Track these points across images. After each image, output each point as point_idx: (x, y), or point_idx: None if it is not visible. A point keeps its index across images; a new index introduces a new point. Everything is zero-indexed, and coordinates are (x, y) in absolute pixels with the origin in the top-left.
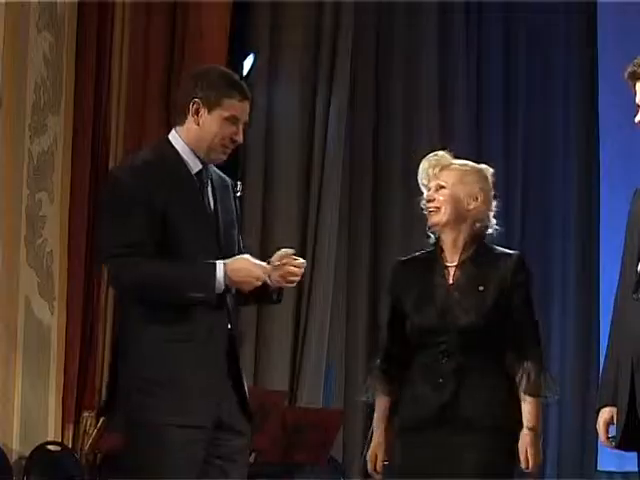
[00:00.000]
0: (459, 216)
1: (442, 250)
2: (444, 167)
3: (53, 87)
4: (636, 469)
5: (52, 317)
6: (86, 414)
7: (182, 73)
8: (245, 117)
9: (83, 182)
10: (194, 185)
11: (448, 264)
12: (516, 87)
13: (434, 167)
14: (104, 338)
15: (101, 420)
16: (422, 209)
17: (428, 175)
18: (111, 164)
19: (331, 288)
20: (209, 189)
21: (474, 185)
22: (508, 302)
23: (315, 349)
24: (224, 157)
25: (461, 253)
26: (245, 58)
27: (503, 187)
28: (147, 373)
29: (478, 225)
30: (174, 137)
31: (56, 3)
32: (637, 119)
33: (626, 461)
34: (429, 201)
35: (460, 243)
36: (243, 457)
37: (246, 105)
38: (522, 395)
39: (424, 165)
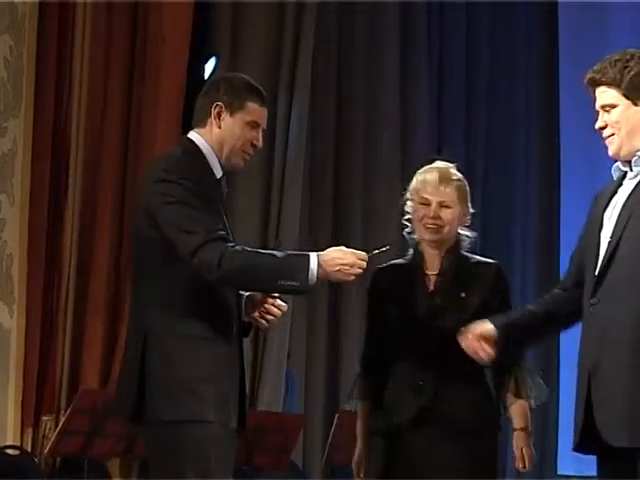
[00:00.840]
0: (454, 233)
1: (422, 258)
2: (448, 183)
3: (13, 90)
4: (595, 473)
5: (11, 320)
6: (45, 418)
7: (144, 76)
8: (264, 124)
9: (43, 184)
10: (220, 192)
11: (429, 272)
12: (477, 87)
13: (441, 182)
14: (64, 341)
15: (61, 423)
16: (405, 214)
17: (435, 189)
18: (72, 166)
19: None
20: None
21: (468, 203)
22: (489, 309)
23: (276, 353)
24: (243, 164)
25: (442, 261)
26: (207, 61)
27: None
28: (187, 371)
29: (459, 237)
30: (198, 140)
31: (16, 4)
32: (597, 125)
33: (585, 466)
34: (433, 217)
35: (442, 252)
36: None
37: (265, 112)
38: (510, 397)
39: (431, 177)
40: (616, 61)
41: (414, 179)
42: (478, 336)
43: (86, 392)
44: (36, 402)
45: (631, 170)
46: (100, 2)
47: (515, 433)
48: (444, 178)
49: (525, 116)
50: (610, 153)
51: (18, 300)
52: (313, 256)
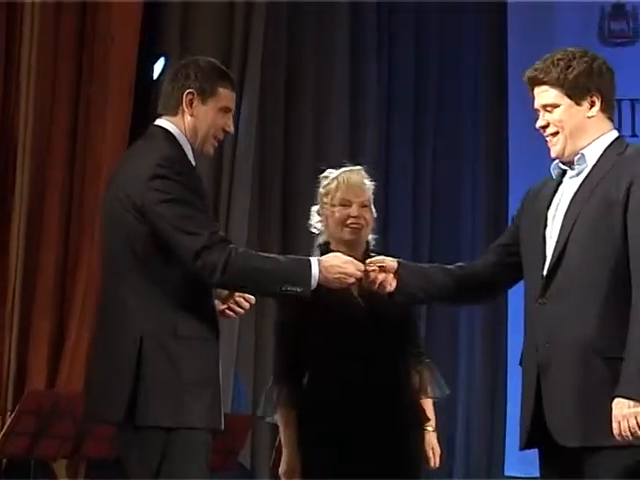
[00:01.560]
0: (367, 232)
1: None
2: (365, 185)
3: None
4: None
5: None
6: None
7: (93, 76)
8: (234, 107)
9: None
10: (200, 179)
11: None
12: (426, 88)
13: (361, 183)
14: (10, 343)
15: (7, 424)
16: (323, 219)
17: (357, 190)
18: (19, 166)
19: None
20: None
21: (371, 204)
22: (404, 310)
23: (223, 353)
24: (212, 150)
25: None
26: (156, 61)
27: (412, 189)
28: (190, 375)
29: (368, 240)
30: (172, 128)
31: None
32: (539, 124)
33: (532, 467)
34: (356, 217)
35: (359, 257)
36: None
37: (234, 95)
38: (419, 395)
39: (353, 178)
40: (558, 60)
41: (329, 182)
42: (381, 268)
43: (32, 393)
44: None
45: (572, 169)
46: (48, 2)
47: (429, 432)
48: (362, 180)
49: (473, 117)
50: (553, 154)
51: None
52: (315, 262)
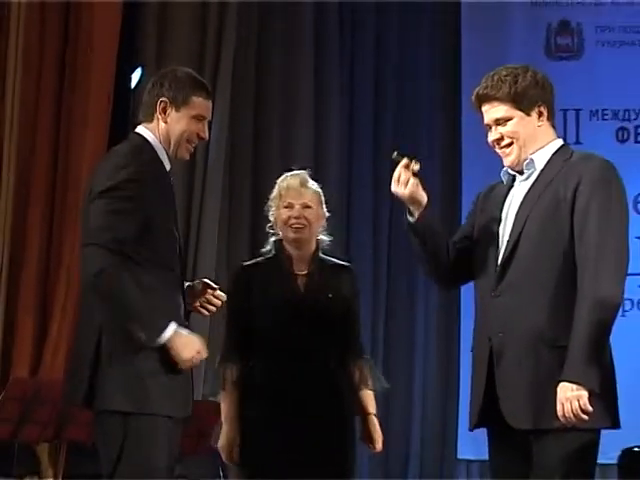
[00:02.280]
0: (313, 235)
1: (289, 258)
2: (307, 187)
3: None
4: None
5: None
6: None
7: (75, 84)
8: (209, 115)
9: None
10: (169, 182)
11: (297, 272)
12: (386, 87)
13: (302, 186)
14: (13, 318)
15: None
16: (271, 223)
17: (297, 193)
18: (4, 167)
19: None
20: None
21: (324, 207)
22: (350, 308)
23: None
24: (188, 155)
25: (309, 263)
26: (133, 70)
27: (372, 186)
28: (139, 364)
29: (317, 240)
30: (147, 134)
31: None
32: (492, 138)
33: (483, 449)
34: (297, 217)
35: (308, 255)
36: None
37: (210, 103)
38: (359, 386)
39: (292, 182)
40: (505, 76)
41: (276, 187)
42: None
43: (16, 381)
44: None
45: (521, 174)
46: (33, 13)
47: (368, 417)
48: (303, 183)
49: (429, 116)
50: (507, 163)
51: None
52: (172, 326)
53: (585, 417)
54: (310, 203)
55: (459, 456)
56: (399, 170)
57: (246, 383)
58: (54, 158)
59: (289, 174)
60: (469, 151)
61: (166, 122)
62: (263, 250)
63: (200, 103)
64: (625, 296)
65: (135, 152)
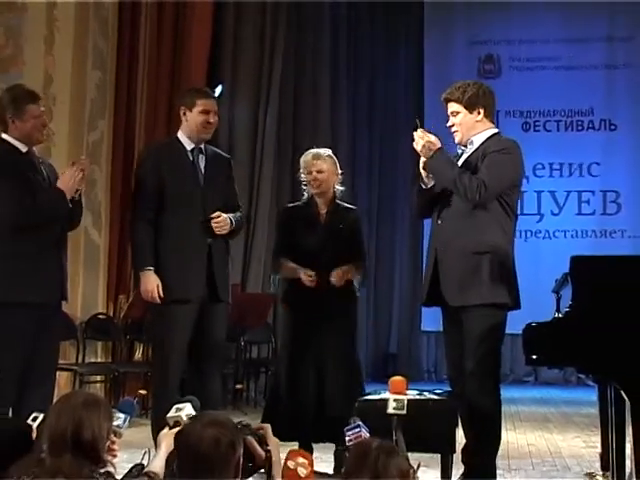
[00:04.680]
0: (329, 188)
1: (316, 203)
2: (319, 158)
3: (101, 100)
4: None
5: (100, 239)
6: (121, 296)
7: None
8: (214, 108)
9: (119, 158)
10: (186, 156)
11: (320, 211)
12: (361, 85)
13: (314, 159)
14: None
15: (130, 299)
16: (304, 181)
17: (311, 164)
18: (137, 136)
19: (267, 209)
20: (200, 160)
21: (336, 170)
22: (353, 235)
23: (257, 251)
24: (207, 136)
25: (328, 206)
26: (216, 86)
27: (368, 151)
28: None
29: (334, 190)
30: (180, 131)
31: (101, 48)
32: (448, 124)
33: (439, 324)
34: (314, 180)
35: (327, 200)
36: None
37: (211, 101)
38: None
39: (308, 157)
40: (459, 87)
41: (302, 160)
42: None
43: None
44: (115, 287)
45: (466, 148)
46: (158, 12)
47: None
48: (315, 156)
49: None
50: (456, 141)
51: (104, 227)
52: (148, 271)
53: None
54: (322, 169)
55: (423, 328)
56: (416, 135)
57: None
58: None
59: (308, 152)
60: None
61: (187, 120)
62: (302, 199)
63: (202, 102)
64: (526, 228)
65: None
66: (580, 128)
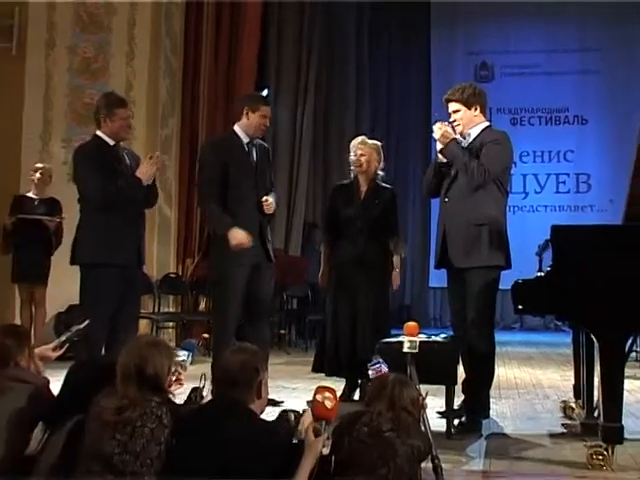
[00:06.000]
0: (370, 169)
1: (358, 181)
2: (364, 144)
3: (171, 99)
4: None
5: (171, 214)
6: (187, 260)
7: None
8: (270, 114)
9: (185, 152)
10: (243, 148)
11: (361, 189)
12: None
13: (360, 144)
14: (199, 223)
15: (194, 262)
16: (350, 163)
17: (356, 147)
18: (200, 126)
19: (304, 190)
20: (253, 151)
21: (378, 155)
22: (386, 208)
23: (298, 218)
24: (261, 135)
25: (368, 184)
26: (262, 90)
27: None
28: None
29: (375, 172)
30: (237, 126)
31: (170, 59)
32: (451, 119)
33: (444, 281)
34: (357, 161)
35: (368, 179)
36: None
37: (269, 108)
38: (395, 252)
39: (355, 142)
40: (458, 89)
41: (351, 144)
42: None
43: (206, 249)
44: (183, 251)
45: (465, 139)
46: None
47: (394, 271)
48: (361, 142)
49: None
50: (457, 132)
51: (174, 204)
52: (231, 228)
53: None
54: (364, 153)
55: (430, 285)
56: (436, 126)
57: (331, 247)
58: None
59: (357, 137)
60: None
61: (248, 119)
62: (349, 179)
63: (264, 108)
64: (514, 204)
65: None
66: (557, 122)
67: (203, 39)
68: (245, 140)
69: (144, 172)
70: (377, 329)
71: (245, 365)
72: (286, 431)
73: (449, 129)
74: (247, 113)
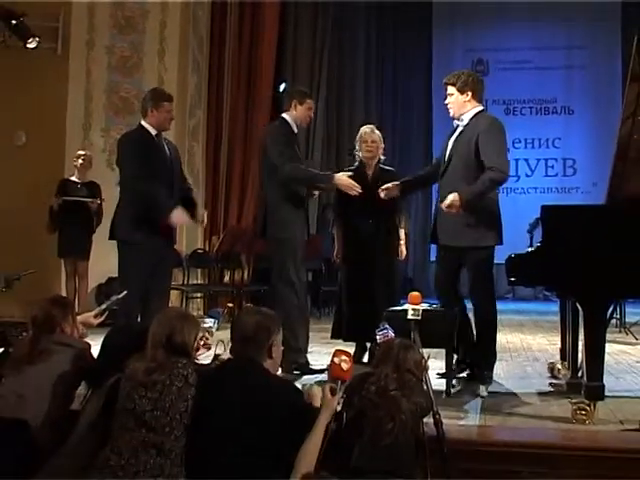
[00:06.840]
0: (377, 154)
1: (364, 165)
2: (373, 132)
3: (197, 93)
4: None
5: (198, 195)
6: (214, 237)
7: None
8: (313, 106)
9: (211, 140)
10: (295, 135)
11: (367, 172)
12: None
13: (371, 132)
14: (223, 203)
15: (220, 239)
16: (359, 149)
17: (368, 135)
18: (224, 135)
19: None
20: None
21: (381, 143)
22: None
23: (312, 205)
24: (307, 124)
25: (374, 168)
26: (281, 84)
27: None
28: (282, 216)
29: (379, 157)
30: (287, 116)
31: (198, 59)
32: (445, 102)
33: None
34: (369, 147)
35: (373, 163)
36: None
37: (312, 101)
38: (401, 227)
39: (366, 129)
40: (455, 75)
41: (360, 131)
42: (392, 186)
43: (230, 227)
44: (210, 230)
45: (459, 123)
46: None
47: (400, 243)
48: (371, 130)
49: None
50: (450, 114)
51: (200, 186)
52: (334, 175)
53: (454, 209)
54: (374, 139)
55: (431, 260)
56: (444, 205)
57: (343, 226)
58: (244, 127)
59: (365, 126)
60: (438, 114)
61: (296, 110)
62: (355, 165)
63: (309, 102)
64: (507, 186)
65: (281, 125)
66: (546, 112)
67: (227, 38)
68: (295, 129)
69: (178, 219)
70: (388, 296)
71: (259, 325)
72: (298, 390)
73: (451, 197)
74: (295, 105)
